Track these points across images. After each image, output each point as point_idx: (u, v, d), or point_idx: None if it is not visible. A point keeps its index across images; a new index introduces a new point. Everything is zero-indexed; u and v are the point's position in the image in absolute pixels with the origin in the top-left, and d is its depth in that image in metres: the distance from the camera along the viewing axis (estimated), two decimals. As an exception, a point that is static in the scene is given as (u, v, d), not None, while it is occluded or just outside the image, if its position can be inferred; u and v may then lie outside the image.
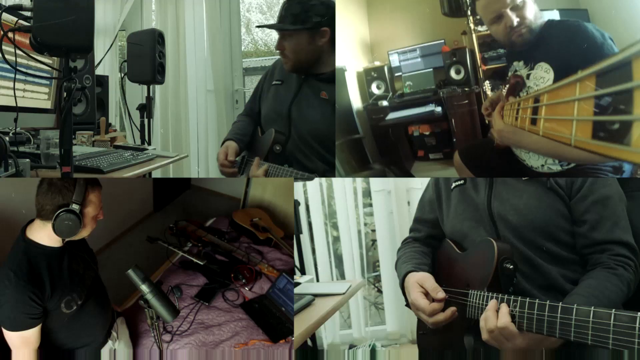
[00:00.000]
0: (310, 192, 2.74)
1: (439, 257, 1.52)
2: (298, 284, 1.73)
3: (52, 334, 1.37)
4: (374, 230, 2.76)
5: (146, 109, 2.83)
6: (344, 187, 2.73)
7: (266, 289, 2.06)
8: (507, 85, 1.57)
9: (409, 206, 2.71)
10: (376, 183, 2.71)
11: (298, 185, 2.57)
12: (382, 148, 2.92)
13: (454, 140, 2.72)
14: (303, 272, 2.20)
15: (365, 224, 2.80)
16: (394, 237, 2.73)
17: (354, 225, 2.72)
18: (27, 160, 1.56)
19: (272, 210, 2.71)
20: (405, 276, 1.42)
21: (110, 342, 1.60)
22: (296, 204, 2.16)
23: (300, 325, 1.45)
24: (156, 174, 3.01)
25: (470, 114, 2.64)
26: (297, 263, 2.06)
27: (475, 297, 1.23)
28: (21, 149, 1.78)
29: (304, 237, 2.58)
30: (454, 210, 1.46)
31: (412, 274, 1.40)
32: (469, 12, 2.29)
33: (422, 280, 1.35)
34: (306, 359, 1.74)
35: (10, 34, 1.36)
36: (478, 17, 2.43)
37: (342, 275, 2.78)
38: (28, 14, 1.32)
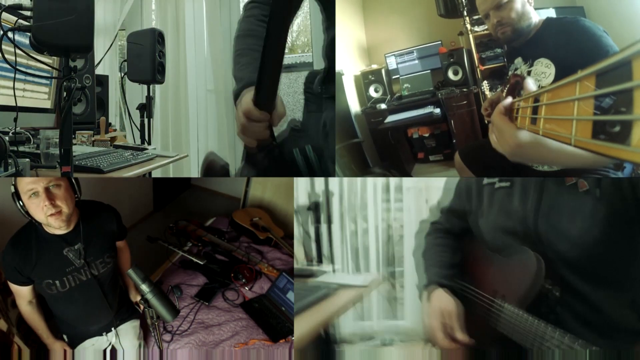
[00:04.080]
0: (345, 184, 2.75)
1: (468, 249, 1.41)
2: (323, 272, 1.67)
3: (47, 299, 1.55)
4: (401, 226, 2.75)
5: (146, 108, 2.83)
6: (376, 183, 2.72)
7: (266, 289, 2.06)
8: (507, 86, 1.57)
9: (438, 205, 2.70)
10: (408, 181, 2.69)
11: (334, 179, 2.55)
12: (382, 151, 2.92)
13: (454, 141, 2.72)
14: (331, 261, 2.16)
15: (395, 219, 2.80)
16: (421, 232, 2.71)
17: (383, 220, 2.72)
18: (27, 160, 1.56)
19: (272, 210, 2.71)
20: (430, 286, 1.32)
21: (105, 337, 1.61)
22: (330, 194, 2.10)
23: (319, 314, 1.40)
24: (156, 174, 3.01)
25: (469, 114, 2.64)
26: (324, 252, 2.01)
27: (511, 315, 1.13)
28: (21, 148, 1.78)
29: (335, 227, 2.55)
30: (493, 219, 1.31)
31: (439, 294, 1.29)
32: (465, 13, 2.30)
33: (448, 310, 1.24)
34: (321, 349, 1.71)
35: (10, 34, 1.36)
36: (475, 17, 2.45)
37: (366, 268, 2.77)
38: (28, 13, 1.32)
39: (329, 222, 2.06)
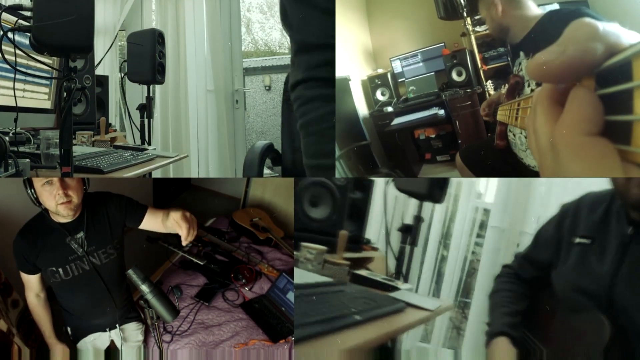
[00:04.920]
0: (436, 213, 2.80)
1: (537, 298, 1.40)
2: (398, 289, 1.72)
3: (54, 288, 1.57)
4: (478, 260, 2.79)
5: (146, 109, 2.83)
6: (465, 215, 2.75)
7: (266, 289, 2.06)
8: (507, 86, 1.57)
9: (517, 248, 2.70)
10: (494, 219, 2.68)
11: (428, 205, 2.58)
12: (390, 153, 2.95)
13: (459, 141, 2.72)
14: (406, 280, 2.22)
15: (473, 252, 2.85)
16: (495, 272, 2.74)
17: (463, 252, 2.76)
18: (27, 160, 1.56)
19: (272, 210, 2.71)
20: (495, 336, 1.32)
21: (109, 333, 1.62)
22: (420, 219, 2.17)
23: (388, 326, 1.43)
24: (156, 174, 3.01)
25: (473, 115, 2.65)
26: (403, 271, 2.07)
27: None
28: (21, 149, 1.78)
29: (417, 250, 2.60)
30: (567, 274, 1.29)
31: (501, 343, 1.29)
32: (464, 14, 2.30)
33: None
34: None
35: (10, 34, 1.36)
36: (475, 17, 2.45)
37: (438, 293, 2.81)
38: (28, 13, 1.32)
39: (413, 244, 2.13)
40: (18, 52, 1.55)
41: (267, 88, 5.16)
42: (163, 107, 3.65)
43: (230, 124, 3.73)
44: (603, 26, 0.48)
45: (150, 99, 2.83)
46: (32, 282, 1.55)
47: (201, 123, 3.66)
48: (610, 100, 0.45)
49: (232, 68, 3.73)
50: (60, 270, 1.50)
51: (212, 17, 3.58)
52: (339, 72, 2.00)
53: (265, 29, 4.73)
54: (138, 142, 2.90)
